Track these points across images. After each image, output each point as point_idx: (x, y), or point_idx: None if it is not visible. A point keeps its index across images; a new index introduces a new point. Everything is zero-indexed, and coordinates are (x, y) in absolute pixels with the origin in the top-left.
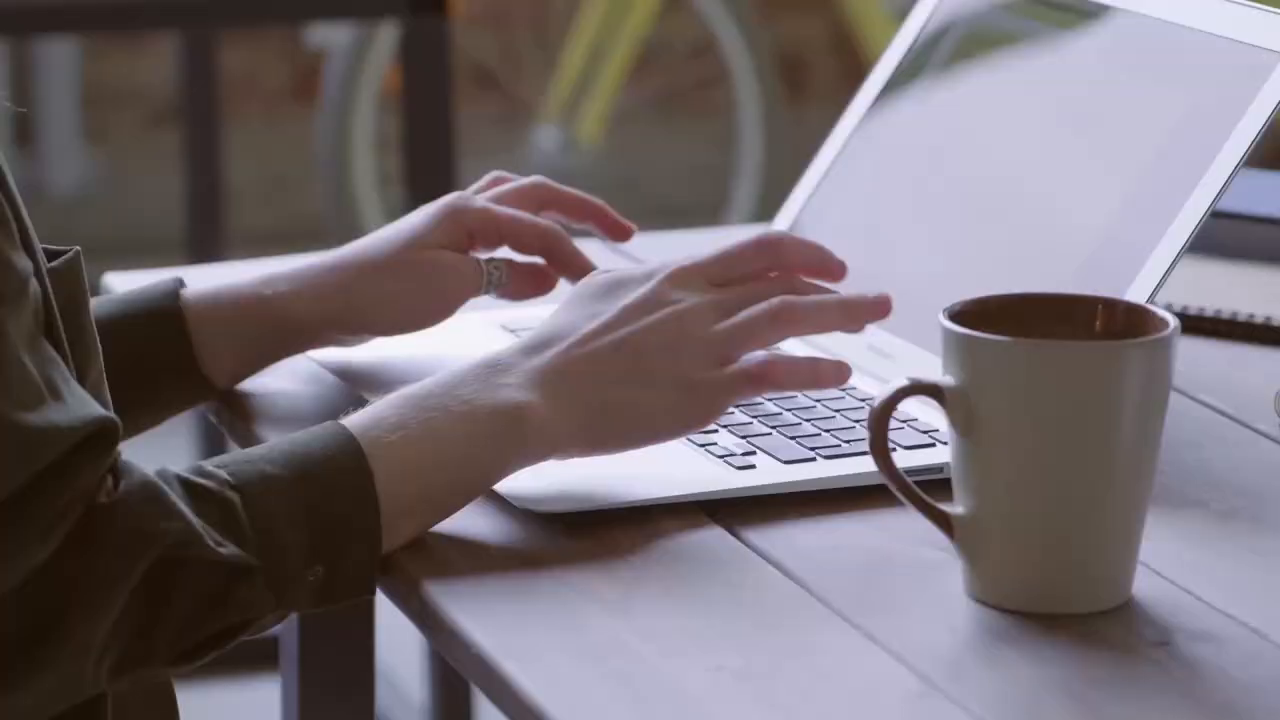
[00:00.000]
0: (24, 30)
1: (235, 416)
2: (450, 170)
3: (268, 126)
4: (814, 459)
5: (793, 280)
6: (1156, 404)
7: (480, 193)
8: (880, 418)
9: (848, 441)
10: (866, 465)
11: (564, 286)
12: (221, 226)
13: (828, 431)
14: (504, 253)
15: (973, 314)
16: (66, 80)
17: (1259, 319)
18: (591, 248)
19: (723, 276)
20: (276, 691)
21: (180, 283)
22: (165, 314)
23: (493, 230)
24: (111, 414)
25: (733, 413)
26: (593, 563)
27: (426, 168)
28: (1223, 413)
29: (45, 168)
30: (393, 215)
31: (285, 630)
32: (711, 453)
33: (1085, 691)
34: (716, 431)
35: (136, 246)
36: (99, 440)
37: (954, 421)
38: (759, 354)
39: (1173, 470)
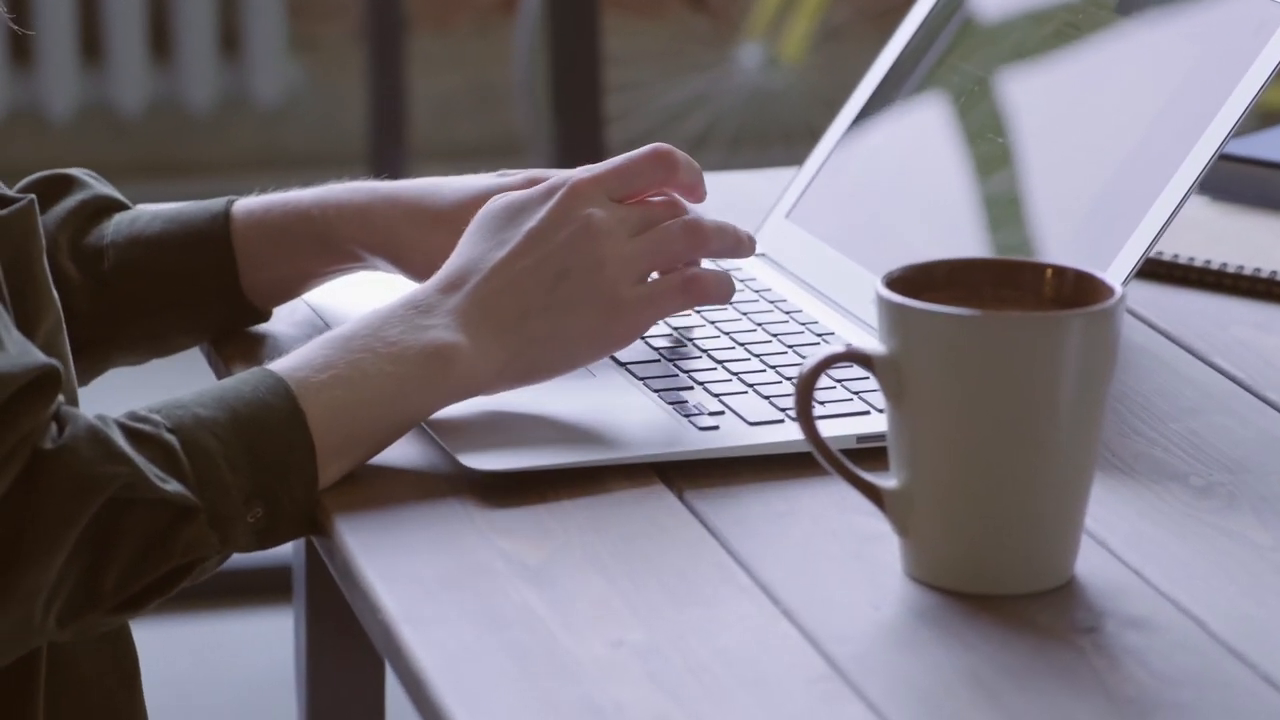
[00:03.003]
0: None
1: (223, 360)
2: (596, 98)
3: (478, 37)
4: (782, 421)
5: (679, 205)
6: (1097, 377)
7: None
8: (805, 385)
9: (821, 403)
10: (831, 429)
11: None
12: (405, 141)
13: None
14: None
15: (915, 280)
16: None
17: None
18: None
19: (620, 190)
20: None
21: (233, 200)
22: (213, 234)
23: None
24: (54, 361)
25: (714, 368)
26: (526, 523)
27: (574, 94)
28: (1234, 379)
29: (251, 78)
30: None
31: (295, 559)
32: (679, 410)
33: (993, 680)
34: (692, 389)
35: (337, 159)
36: (40, 386)
37: (886, 391)
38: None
39: (1160, 438)
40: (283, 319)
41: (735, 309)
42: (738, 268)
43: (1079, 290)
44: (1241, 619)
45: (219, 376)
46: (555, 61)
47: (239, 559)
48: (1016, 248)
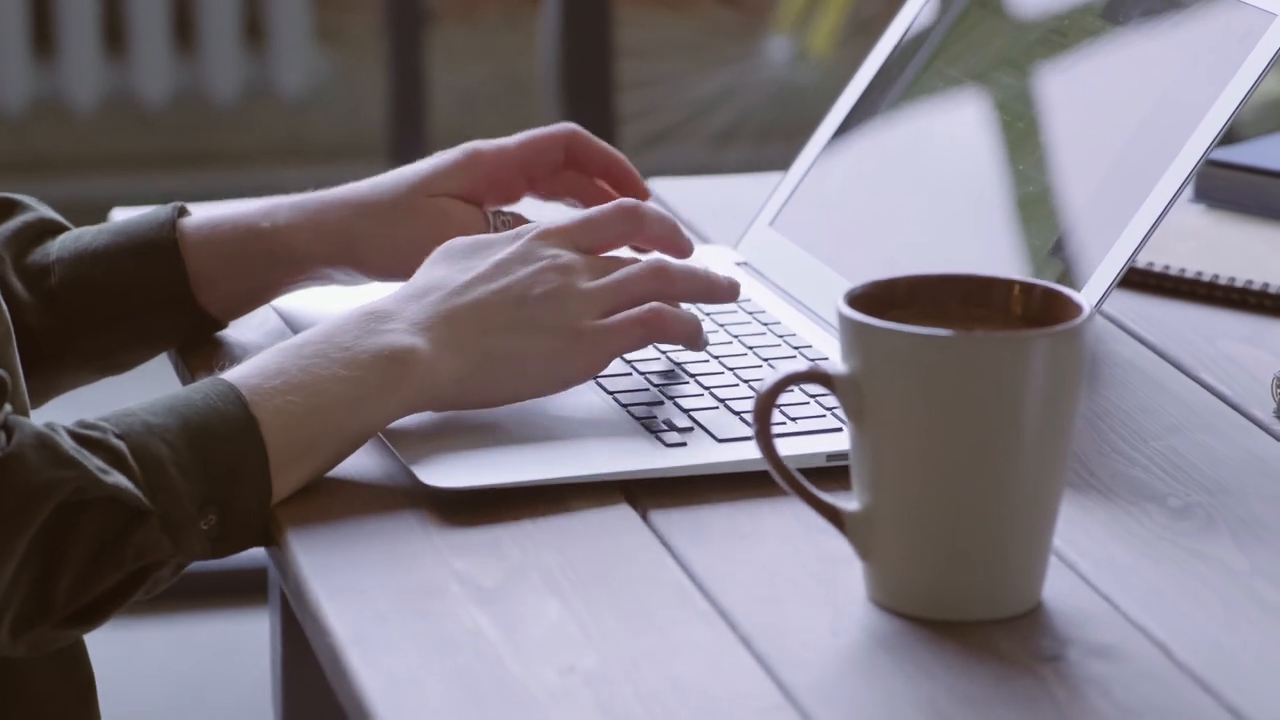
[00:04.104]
0: None
1: (189, 370)
2: (609, 94)
3: (505, 29)
4: (751, 438)
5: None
6: (1064, 398)
7: None
8: (764, 405)
9: (793, 419)
10: (800, 447)
11: None
12: (425, 133)
13: (778, 407)
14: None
15: (879, 296)
16: None
17: None
18: None
19: (587, 242)
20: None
21: (179, 211)
22: (161, 243)
23: (510, 161)
24: (0, 371)
25: (686, 382)
26: (483, 543)
27: (587, 90)
28: (1219, 395)
29: (275, 68)
30: None
31: (272, 561)
32: (648, 426)
33: (951, 710)
34: (662, 404)
35: (362, 149)
36: None
37: (847, 411)
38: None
39: (1140, 457)
40: (253, 328)
41: (713, 320)
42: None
43: (1047, 307)
44: (1210, 647)
45: (184, 384)
46: (568, 57)
47: (216, 560)
48: (1001, 258)
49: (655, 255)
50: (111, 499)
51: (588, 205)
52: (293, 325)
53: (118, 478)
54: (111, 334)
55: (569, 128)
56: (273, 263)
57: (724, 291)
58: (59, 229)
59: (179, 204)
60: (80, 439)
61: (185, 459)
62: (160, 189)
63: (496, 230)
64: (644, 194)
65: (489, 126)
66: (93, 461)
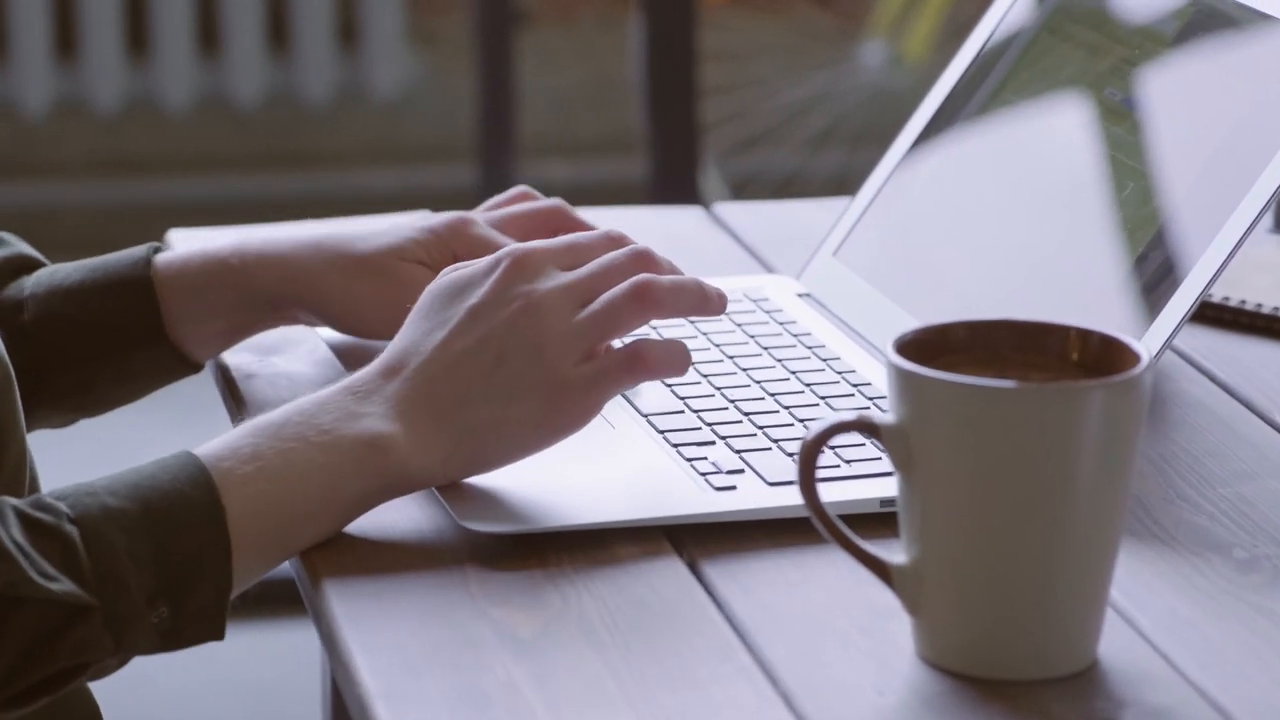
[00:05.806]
0: None
1: (238, 404)
2: (691, 100)
3: (600, 32)
4: None
5: (640, 258)
6: (1120, 450)
7: (497, 207)
8: (809, 454)
9: (848, 462)
10: (851, 492)
11: None
12: (514, 136)
13: (831, 448)
14: None
15: (931, 342)
16: None
17: None
18: None
19: (570, 261)
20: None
21: (154, 249)
22: (136, 279)
23: (492, 242)
24: None
25: (740, 421)
26: (523, 590)
27: (671, 88)
28: None
29: (368, 70)
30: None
31: (307, 604)
32: (696, 468)
33: None
34: (713, 444)
35: (455, 152)
36: None
37: (894, 462)
38: (629, 341)
39: (1206, 504)
40: (301, 358)
41: (770, 355)
42: (779, 309)
43: (1105, 355)
44: (1273, 712)
45: (232, 417)
46: (652, 60)
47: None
48: (1068, 291)
49: (641, 275)
50: (49, 599)
51: None
52: (340, 354)
53: (61, 584)
54: (85, 370)
55: (556, 203)
56: (241, 301)
57: (714, 305)
58: (35, 265)
59: (155, 244)
60: (31, 523)
61: (141, 549)
62: (252, 190)
63: None
64: None
65: (580, 128)
66: (35, 563)
